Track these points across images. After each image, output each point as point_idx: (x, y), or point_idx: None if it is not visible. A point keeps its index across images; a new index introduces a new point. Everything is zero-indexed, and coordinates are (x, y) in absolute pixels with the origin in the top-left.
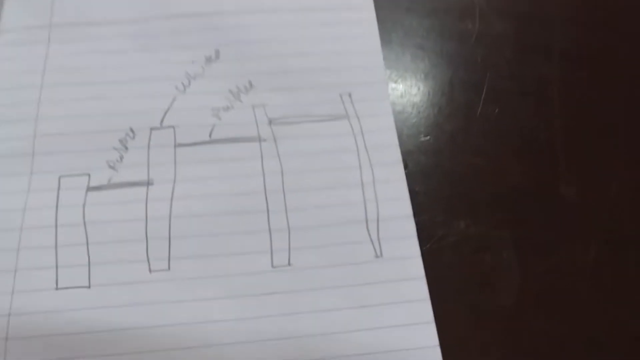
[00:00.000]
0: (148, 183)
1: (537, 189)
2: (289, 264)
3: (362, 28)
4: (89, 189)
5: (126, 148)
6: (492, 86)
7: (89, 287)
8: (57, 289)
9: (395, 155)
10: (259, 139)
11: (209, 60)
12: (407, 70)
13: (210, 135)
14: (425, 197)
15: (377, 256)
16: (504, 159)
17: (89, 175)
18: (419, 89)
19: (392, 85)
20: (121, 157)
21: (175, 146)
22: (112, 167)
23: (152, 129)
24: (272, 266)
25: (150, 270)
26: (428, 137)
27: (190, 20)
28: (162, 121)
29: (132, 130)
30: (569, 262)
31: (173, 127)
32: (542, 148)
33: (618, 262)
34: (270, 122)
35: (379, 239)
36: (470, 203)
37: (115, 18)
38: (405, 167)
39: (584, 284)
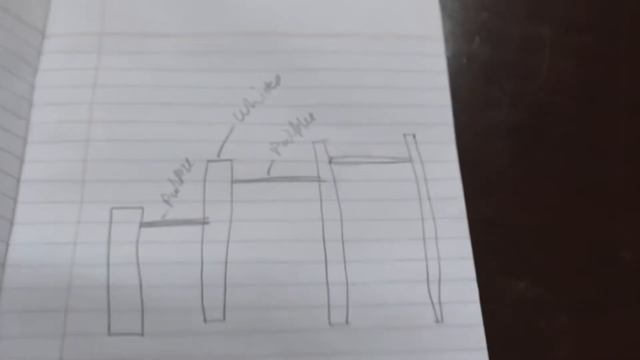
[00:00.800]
0: (204, 222)
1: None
2: (347, 322)
3: (430, 61)
4: (143, 224)
5: (181, 181)
6: (554, 132)
7: (142, 334)
8: (109, 334)
9: (460, 209)
10: (319, 179)
11: (268, 86)
12: (471, 110)
13: (268, 173)
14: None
15: (437, 321)
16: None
17: (143, 208)
18: (482, 131)
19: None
20: (176, 191)
21: (232, 182)
22: (167, 202)
23: (209, 161)
24: (330, 324)
25: (205, 320)
26: (490, 187)
27: (251, 39)
28: (219, 153)
29: (188, 161)
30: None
31: (231, 160)
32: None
33: None
34: (330, 160)
35: (440, 303)
36: (529, 262)
37: (171, 31)
38: None
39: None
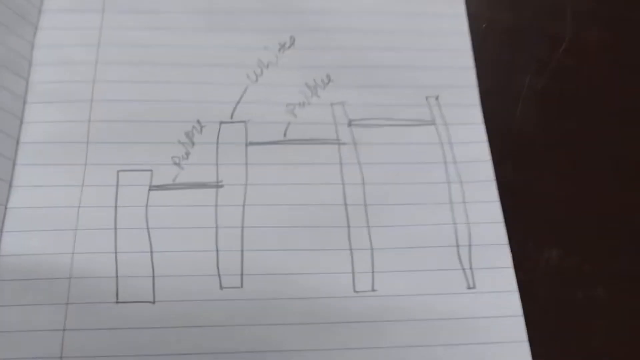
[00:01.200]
0: (217, 185)
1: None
2: (373, 289)
3: (451, 21)
4: (152, 187)
5: (193, 143)
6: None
7: (154, 302)
8: (117, 302)
9: (488, 173)
10: (338, 142)
11: (283, 47)
12: (497, 70)
13: (285, 135)
14: (515, 219)
15: (469, 287)
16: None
17: (152, 171)
18: (510, 94)
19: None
20: (187, 154)
21: (246, 144)
22: (177, 164)
23: (221, 122)
24: (355, 291)
25: (221, 287)
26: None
27: None
28: (232, 114)
29: (199, 122)
30: None
31: (245, 122)
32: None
33: None
34: (349, 123)
35: (471, 268)
36: (562, 231)
37: None
38: None
39: None
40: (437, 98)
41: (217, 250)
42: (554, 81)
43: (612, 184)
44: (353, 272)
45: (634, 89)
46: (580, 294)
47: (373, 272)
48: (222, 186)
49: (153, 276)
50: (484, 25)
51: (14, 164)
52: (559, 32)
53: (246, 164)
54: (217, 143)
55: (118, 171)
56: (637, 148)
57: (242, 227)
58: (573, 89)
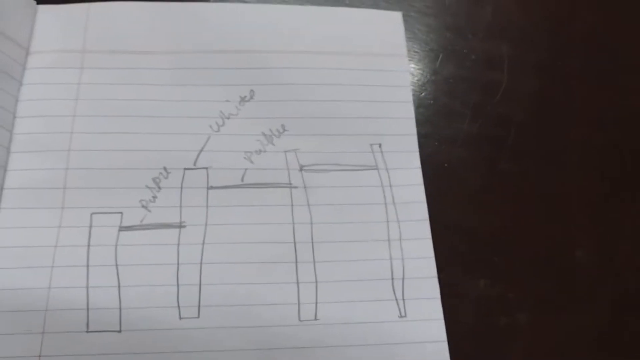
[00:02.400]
0: (180, 225)
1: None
2: (316, 318)
3: (395, 76)
4: (122, 228)
5: (159, 188)
6: (515, 143)
7: (120, 331)
8: (87, 331)
9: (422, 213)
10: (290, 186)
11: (243, 100)
12: (437, 122)
13: (242, 179)
14: (445, 253)
15: (401, 316)
16: (524, 220)
17: (122, 213)
18: (447, 141)
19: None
20: (154, 197)
21: (208, 188)
22: (145, 207)
23: (185, 169)
24: (299, 320)
25: (180, 317)
26: (453, 191)
27: (227, 56)
28: (195, 162)
29: (165, 169)
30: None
31: (206, 168)
32: (558, 212)
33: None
34: (301, 168)
35: (403, 299)
36: (490, 263)
37: (151, 48)
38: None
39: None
40: (380, 145)
41: (178, 285)
42: (490, 127)
43: (539, 218)
44: (299, 303)
45: (562, 136)
46: (503, 320)
47: (317, 302)
48: (184, 226)
49: (120, 308)
50: (429, 77)
51: None
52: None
53: (207, 206)
54: (181, 187)
55: (91, 214)
56: (561, 185)
57: (201, 263)
58: (505, 133)
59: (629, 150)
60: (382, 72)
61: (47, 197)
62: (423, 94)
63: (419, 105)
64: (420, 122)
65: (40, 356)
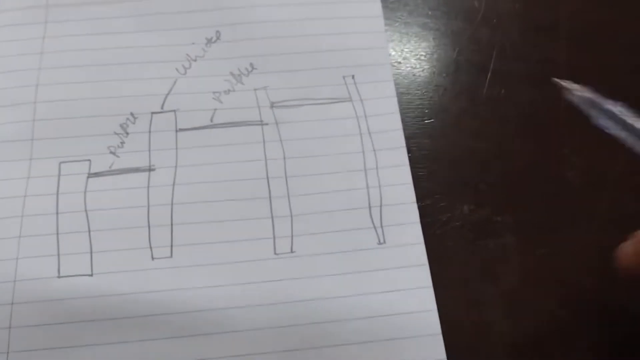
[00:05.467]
0: (150, 169)
1: (541, 172)
2: (292, 251)
3: (366, 7)
4: (90, 175)
5: (127, 133)
6: (497, 67)
7: (92, 275)
8: (59, 277)
9: (399, 140)
10: (261, 123)
11: (209, 41)
12: (411, 50)
13: (211, 120)
14: (429, 181)
15: (380, 243)
16: (509, 142)
17: (90, 161)
18: (422, 69)
19: (395, 66)
20: (122, 143)
21: (176, 131)
22: (113, 153)
23: (153, 113)
24: (275, 253)
25: (152, 258)
26: (432, 119)
27: None
28: (163, 105)
29: (132, 114)
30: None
31: (174, 111)
32: (547, 131)
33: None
34: (272, 105)
35: (382, 226)
36: (473, 187)
37: None
38: (409, 151)
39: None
40: (353, 77)
41: (149, 226)
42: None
43: (525, 138)
44: (274, 237)
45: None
46: (490, 243)
47: (292, 235)
48: (154, 169)
49: (91, 252)
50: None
51: None
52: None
53: (176, 148)
54: (150, 132)
55: (60, 162)
56: (546, 102)
57: (172, 204)
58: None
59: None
60: (353, 3)
61: (15, 149)
62: (397, 24)
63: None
64: (395, 52)
65: (12, 304)
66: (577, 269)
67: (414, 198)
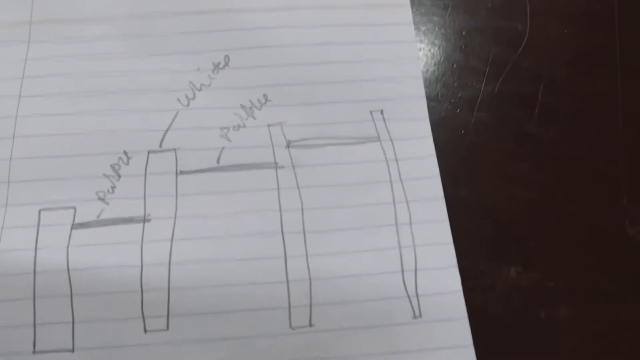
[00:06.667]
0: (145, 219)
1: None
2: (311, 324)
3: (397, 30)
4: (75, 225)
5: (119, 176)
6: (545, 102)
7: (73, 350)
8: (34, 352)
9: (436, 190)
10: (275, 166)
11: (217, 67)
12: (447, 82)
13: (218, 161)
14: (467, 236)
15: (415, 317)
16: (561, 192)
17: (75, 208)
18: (458, 104)
19: (429, 99)
20: (113, 187)
21: (177, 174)
22: (102, 199)
23: (150, 152)
24: (291, 327)
25: (145, 330)
26: (470, 162)
27: (195, 18)
28: (161, 143)
29: (126, 153)
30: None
31: (175, 150)
32: (604, 178)
33: None
34: (288, 144)
35: (417, 295)
36: (520, 245)
37: (106, 14)
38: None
39: None
40: (382, 112)
41: (142, 291)
42: (515, 84)
43: (575, 189)
44: (289, 307)
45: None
46: (542, 313)
47: (311, 305)
48: (149, 220)
49: (72, 322)
50: (436, 29)
51: None
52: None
53: (176, 195)
54: (145, 174)
55: (40, 210)
56: (601, 152)
57: (169, 263)
58: (537, 93)
59: None
60: (381, 27)
61: None
62: (432, 50)
63: (427, 63)
64: (429, 83)
65: None
66: None
67: (454, 261)
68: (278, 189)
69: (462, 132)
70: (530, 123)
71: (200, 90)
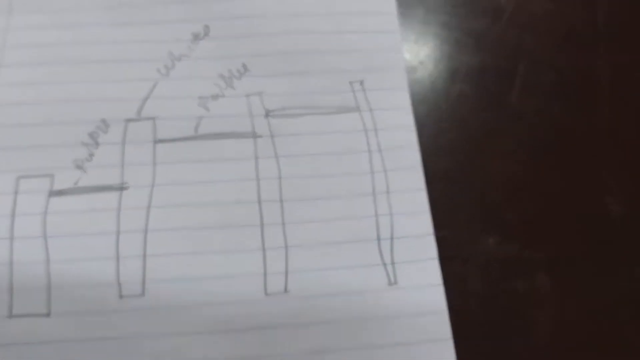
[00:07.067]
0: (122, 187)
1: (578, 201)
2: (286, 290)
3: (377, 2)
4: (52, 193)
5: (97, 144)
6: (527, 76)
7: (49, 315)
8: (10, 316)
9: (414, 159)
10: (254, 135)
11: (196, 37)
12: (428, 54)
13: (196, 130)
14: (447, 208)
15: (390, 283)
16: (541, 165)
17: (53, 176)
18: (441, 76)
19: (410, 71)
20: (91, 155)
21: (154, 142)
22: (79, 167)
23: (127, 120)
24: (266, 293)
25: (120, 296)
26: (452, 135)
27: None
28: (140, 111)
29: (104, 122)
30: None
31: (153, 118)
32: (585, 152)
33: None
34: (267, 114)
35: (393, 263)
36: (500, 217)
37: None
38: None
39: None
40: (361, 83)
41: (118, 257)
42: (497, 57)
43: (553, 163)
44: (265, 274)
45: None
46: (521, 284)
47: (287, 272)
48: (126, 188)
49: (49, 287)
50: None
51: None
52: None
53: (154, 163)
54: (123, 142)
55: (17, 177)
56: (580, 121)
57: (146, 231)
58: (519, 66)
59: None
60: None
61: None
62: (413, 22)
63: (408, 35)
64: (409, 55)
65: None
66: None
67: (431, 229)
68: (256, 158)
69: (443, 104)
70: (511, 96)
71: (179, 60)
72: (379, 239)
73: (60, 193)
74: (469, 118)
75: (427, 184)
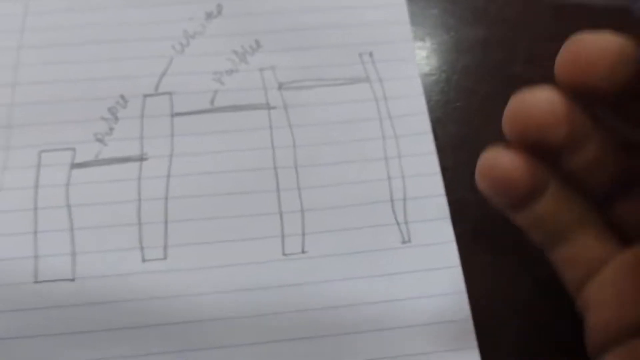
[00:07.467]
0: (141, 158)
1: None
2: (303, 251)
3: None
4: (74, 165)
5: (116, 118)
6: (531, 47)
7: (73, 279)
8: (36, 282)
9: (424, 125)
10: (268, 107)
11: (209, 16)
12: (435, 26)
13: (212, 103)
14: (456, 173)
15: (404, 242)
16: None
17: (74, 149)
18: (447, 48)
19: (418, 44)
20: (111, 129)
21: (172, 115)
22: (100, 141)
23: (145, 96)
24: (284, 254)
25: (143, 260)
26: (458, 103)
27: None
28: (157, 87)
29: (123, 97)
30: None
31: (170, 93)
32: None
33: None
34: (280, 86)
35: (406, 222)
36: None
37: None
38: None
39: None
40: (370, 54)
41: (140, 223)
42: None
43: None
44: (282, 235)
45: None
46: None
47: (303, 233)
48: (146, 159)
49: (73, 253)
50: None
51: None
52: None
53: (172, 135)
54: (142, 116)
55: (40, 152)
56: None
57: (166, 198)
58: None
59: None
60: None
61: None
62: None
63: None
64: (416, 28)
65: None
66: None
67: (442, 190)
68: (270, 128)
69: (450, 75)
70: (516, 66)
71: (193, 37)
72: (392, 200)
73: (82, 165)
74: (475, 87)
75: (437, 151)
